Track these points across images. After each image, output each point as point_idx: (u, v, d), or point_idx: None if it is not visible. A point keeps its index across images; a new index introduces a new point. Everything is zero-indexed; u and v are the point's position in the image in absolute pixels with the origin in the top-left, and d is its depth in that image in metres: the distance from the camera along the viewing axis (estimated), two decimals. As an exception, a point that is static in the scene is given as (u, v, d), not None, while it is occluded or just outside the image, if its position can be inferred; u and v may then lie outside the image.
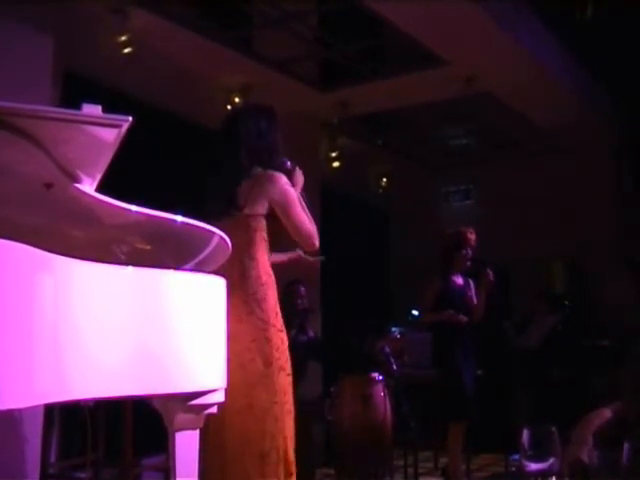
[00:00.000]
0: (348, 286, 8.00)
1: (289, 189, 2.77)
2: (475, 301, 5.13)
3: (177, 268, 2.11)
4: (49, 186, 1.79)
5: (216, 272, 2.18)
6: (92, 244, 2.13)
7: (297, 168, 2.95)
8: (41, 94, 4.22)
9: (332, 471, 5.18)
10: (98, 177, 1.87)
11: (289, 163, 2.94)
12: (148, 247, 2.20)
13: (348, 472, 4.92)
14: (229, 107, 5.88)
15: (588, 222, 7.87)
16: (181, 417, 2.04)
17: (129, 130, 1.71)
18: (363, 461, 4.82)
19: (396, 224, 9.32)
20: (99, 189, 1.89)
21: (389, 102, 6.96)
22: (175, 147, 5.73)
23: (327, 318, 6.90)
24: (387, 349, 4.77)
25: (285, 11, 5.61)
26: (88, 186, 1.84)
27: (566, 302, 7.07)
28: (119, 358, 1.83)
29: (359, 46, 6.20)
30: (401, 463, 5.34)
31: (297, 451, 2.70)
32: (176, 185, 5.12)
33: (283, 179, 2.76)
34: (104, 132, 1.70)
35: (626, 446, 1.40)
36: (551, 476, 1.42)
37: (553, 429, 1.44)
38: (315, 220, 2.88)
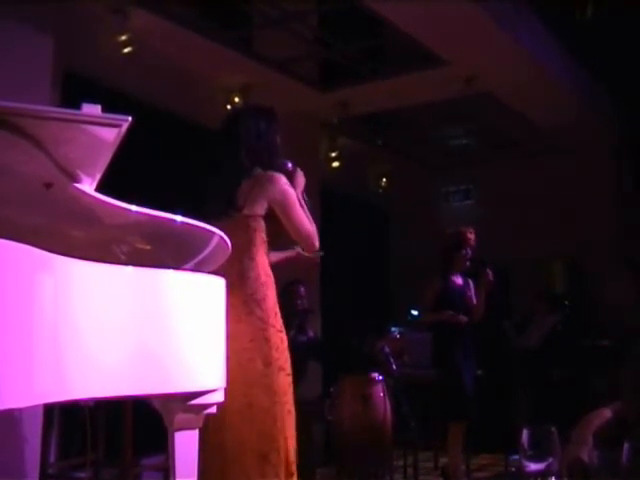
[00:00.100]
0: (348, 286, 8.00)
1: (289, 190, 2.77)
2: (475, 301, 5.13)
3: (177, 268, 2.11)
4: (49, 186, 1.79)
5: (215, 272, 2.18)
6: (92, 244, 2.13)
7: (298, 169, 2.95)
8: (41, 94, 4.22)
9: (332, 471, 5.18)
10: (98, 177, 1.87)
11: (290, 164, 2.94)
12: (148, 247, 2.20)
13: (348, 472, 4.92)
14: (229, 107, 5.88)
15: (588, 222, 7.87)
16: (181, 417, 2.05)
17: (129, 130, 1.71)
18: (363, 461, 4.82)
19: (396, 224, 9.32)
20: (99, 189, 1.89)
21: (389, 102, 6.96)
22: (175, 147, 5.72)
23: (327, 318, 6.90)
24: (387, 349, 4.77)
25: (285, 11, 5.61)
26: (88, 186, 1.84)
27: (566, 302, 7.07)
28: (119, 358, 1.83)
29: (359, 46, 6.20)
30: (401, 463, 5.34)
31: (297, 451, 2.70)
32: (176, 185, 5.12)
33: (283, 180, 2.76)
34: (104, 132, 1.70)
35: (626, 446, 1.40)
36: (551, 476, 1.42)
37: (553, 429, 1.44)
38: (315, 220, 2.88)
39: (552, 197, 8.21)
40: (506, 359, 6.62)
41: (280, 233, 2.82)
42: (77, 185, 1.81)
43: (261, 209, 2.75)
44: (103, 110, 1.68)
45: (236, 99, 5.97)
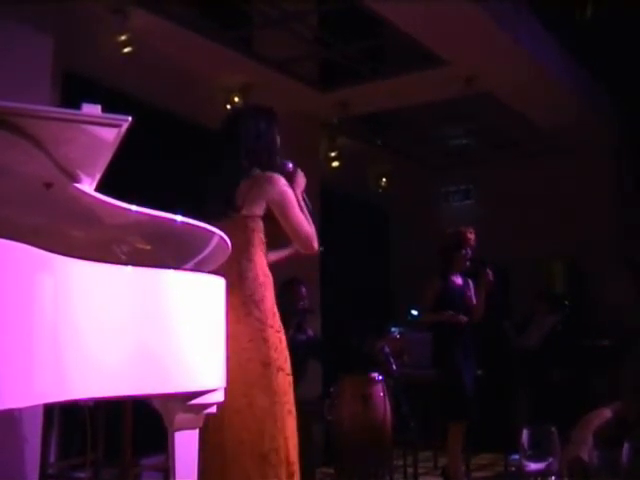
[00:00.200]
0: (348, 286, 8.00)
1: (287, 190, 2.77)
2: (475, 301, 5.13)
3: (177, 268, 2.11)
4: (49, 186, 1.79)
5: (215, 272, 2.18)
6: (92, 244, 2.13)
7: (299, 170, 2.95)
8: (41, 94, 4.22)
9: (332, 471, 5.18)
10: (98, 177, 1.87)
11: (290, 165, 2.94)
12: (148, 247, 2.20)
13: (348, 472, 4.92)
14: (229, 107, 5.88)
15: (588, 222, 7.87)
16: (181, 417, 2.05)
17: (129, 130, 1.71)
18: (363, 461, 4.82)
19: (396, 224, 9.32)
20: (99, 189, 1.89)
21: (389, 102, 6.96)
22: (175, 147, 5.72)
23: (327, 318, 6.90)
24: (387, 349, 4.77)
25: (285, 11, 5.61)
26: (88, 186, 1.84)
27: (566, 302, 7.07)
28: (119, 358, 1.83)
29: (359, 46, 6.20)
30: (401, 463, 5.35)
31: (297, 451, 2.70)
32: (176, 185, 5.12)
33: (282, 180, 2.77)
34: (104, 132, 1.70)
35: (626, 446, 1.40)
36: (550, 476, 1.42)
37: (553, 429, 1.44)
38: (315, 220, 2.88)
39: (552, 197, 8.21)
40: (506, 359, 6.63)
41: (278, 234, 2.82)
42: (77, 185, 1.81)
43: (259, 210, 2.75)
44: (103, 110, 1.68)
45: (236, 99, 5.97)
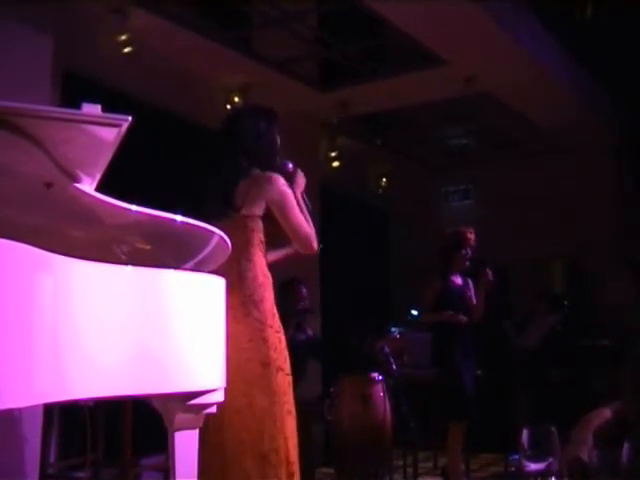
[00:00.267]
0: (348, 286, 8.00)
1: (287, 190, 2.77)
2: (474, 301, 5.13)
3: (177, 268, 2.11)
4: (49, 186, 1.79)
5: (215, 272, 2.18)
6: (92, 244, 2.13)
7: (298, 170, 2.95)
8: (41, 94, 4.22)
9: (332, 471, 5.18)
10: (98, 177, 1.87)
11: (290, 165, 2.94)
12: (148, 247, 2.20)
13: (348, 472, 4.92)
14: (229, 107, 5.88)
15: (588, 222, 7.87)
16: (181, 417, 2.04)
17: (129, 130, 1.71)
18: (363, 461, 4.82)
19: (396, 224, 9.32)
20: (99, 189, 1.89)
21: (389, 102, 6.96)
22: (175, 147, 5.72)
23: (327, 318, 6.90)
24: (387, 349, 4.77)
25: (285, 11, 5.60)
26: (88, 186, 1.84)
27: (566, 302, 7.07)
28: (119, 358, 1.83)
29: (359, 46, 6.19)
30: (400, 463, 5.34)
31: (297, 451, 2.71)
32: (176, 185, 5.12)
33: (281, 180, 2.77)
34: (104, 131, 1.70)
35: (626, 446, 1.40)
36: (550, 476, 1.42)
37: (553, 429, 1.44)
38: (315, 220, 2.88)
39: (552, 197, 8.21)
40: (506, 359, 6.63)
41: (278, 234, 2.83)
42: (77, 185, 1.81)
43: (259, 210, 2.75)
44: (103, 110, 1.68)
45: (236, 99, 5.97)
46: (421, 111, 7.35)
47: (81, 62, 4.99)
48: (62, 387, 1.69)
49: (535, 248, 7.96)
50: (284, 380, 2.69)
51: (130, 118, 1.68)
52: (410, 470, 5.29)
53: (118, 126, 1.68)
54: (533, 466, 1.43)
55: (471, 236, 5.11)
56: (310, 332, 5.39)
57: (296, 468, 2.67)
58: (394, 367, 4.69)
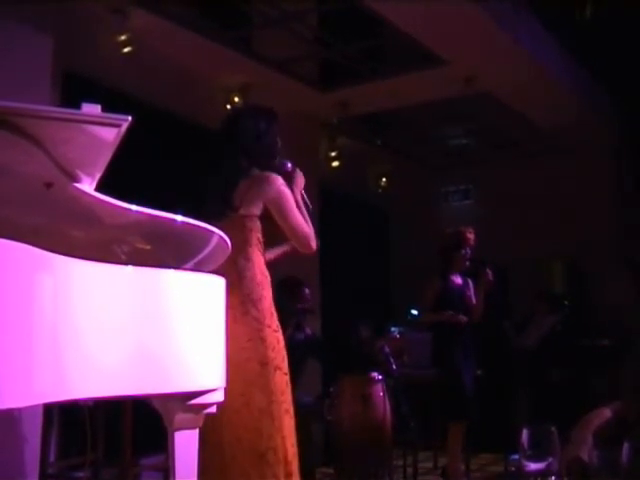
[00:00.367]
0: (348, 286, 7.99)
1: (285, 190, 2.77)
2: (474, 301, 5.13)
3: (177, 268, 2.11)
4: (49, 186, 1.79)
5: (214, 272, 2.18)
6: (92, 244, 2.13)
7: (298, 170, 2.95)
8: (41, 94, 4.22)
9: (332, 471, 5.18)
10: (98, 176, 1.87)
11: (290, 165, 2.94)
12: (148, 247, 2.20)
13: (348, 472, 4.92)
14: (229, 107, 5.88)
15: (588, 222, 7.87)
16: (180, 417, 2.05)
17: (129, 130, 1.71)
18: (362, 461, 4.82)
19: (396, 224, 9.32)
20: (99, 189, 1.89)
21: (389, 102, 6.96)
22: (175, 147, 5.72)
23: (327, 318, 6.89)
24: (387, 349, 4.77)
25: (285, 11, 5.61)
26: (88, 185, 1.84)
27: (566, 302, 7.07)
28: (119, 357, 1.83)
29: (359, 46, 6.20)
30: (400, 463, 5.34)
31: (297, 451, 2.70)
32: (176, 185, 5.12)
33: (279, 180, 2.77)
34: (104, 131, 1.70)
35: (626, 446, 1.40)
36: (550, 476, 1.43)
37: (552, 429, 1.45)
38: (314, 220, 2.88)
39: (552, 197, 8.21)
40: (506, 359, 6.62)
41: (276, 234, 2.83)
42: (77, 185, 1.81)
43: (257, 209, 2.76)
44: (103, 110, 1.68)
45: (236, 99, 5.97)
46: (421, 111, 7.35)
47: (81, 62, 4.99)
48: (62, 387, 1.69)
49: (535, 248, 7.96)
50: (282, 379, 2.69)
51: (130, 118, 1.68)
52: (410, 470, 5.29)
53: (118, 126, 1.68)
54: (533, 466, 1.43)
55: (471, 236, 5.12)
56: (309, 331, 5.38)
57: (294, 467, 2.67)
58: (394, 367, 4.69)
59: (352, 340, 5.47)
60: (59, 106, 3.63)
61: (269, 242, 2.85)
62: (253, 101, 5.30)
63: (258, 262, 2.75)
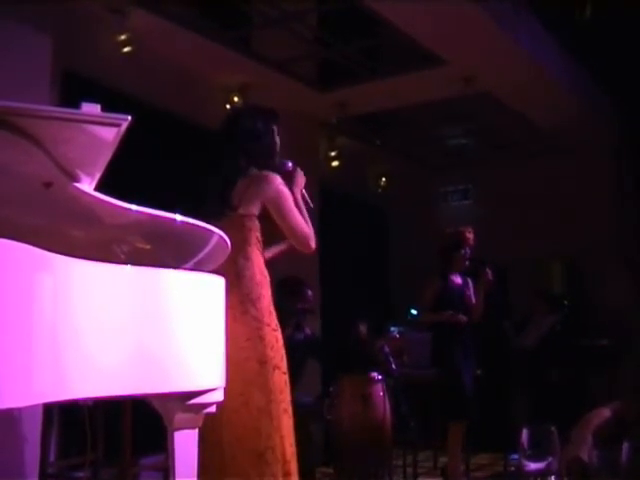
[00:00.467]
0: (348, 286, 7.99)
1: (283, 190, 2.77)
2: (474, 301, 5.13)
3: (177, 267, 2.11)
4: (49, 185, 1.79)
5: (214, 272, 2.18)
6: (92, 244, 2.13)
7: (298, 169, 2.95)
8: (40, 94, 4.22)
9: (332, 471, 5.18)
10: (97, 176, 1.87)
11: (290, 164, 2.95)
12: (148, 246, 2.20)
13: (347, 472, 4.92)
14: (228, 107, 5.88)
15: (588, 222, 7.87)
16: (180, 416, 2.04)
17: (128, 130, 1.71)
18: (362, 461, 4.82)
19: (395, 224, 9.32)
20: (99, 188, 1.89)
21: (388, 102, 6.96)
22: (175, 147, 5.72)
23: (327, 318, 6.89)
24: (386, 349, 4.77)
25: (285, 11, 5.61)
26: (87, 185, 1.84)
27: (565, 302, 7.07)
28: (118, 357, 1.83)
29: (358, 46, 6.20)
30: (400, 463, 5.34)
31: (297, 451, 2.70)
32: (176, 185, 5.11)
33: (278, 180, 2.77)
34: (103, 131, 1.70)
35: (625, 446, 1.40)
36: (550, 476, 1.43)
37: (552, 429, 1.45)
38: (314, 220, 2.88)
39: (552, 197, 8.21)
40: (506, 359, 6.62)
41: (275, 233, 2.83)
42: (77, 185, 1.81)
43: (256, 209, 2.76)
44: (103, 110, 1.68)
45: (235, 99, 5.98)
46: (420, 111, 7.35)
47: (81, 62, 4.99)
48: (62, 387, 1.69)
49: (535, 248, 7.96)
50: (280, 379, 2.69)
51: (130, 118, 1.68)
52: (410, 470, 5.29)
53: (118, 126, 1.68)
54: (533, 466, 1.43)
55: (470, 236, 5.12)
56: (308, 331, 5.38)
57: (293, 467, 2.67)
58: (394, 367, 4.69)
59: (352, 340, 5.47)
60: (59, 106, 3.61)
61: (268, 241, 2.85)
62: (253, 101, 5.30)
63: (257, 261, 2.75)
